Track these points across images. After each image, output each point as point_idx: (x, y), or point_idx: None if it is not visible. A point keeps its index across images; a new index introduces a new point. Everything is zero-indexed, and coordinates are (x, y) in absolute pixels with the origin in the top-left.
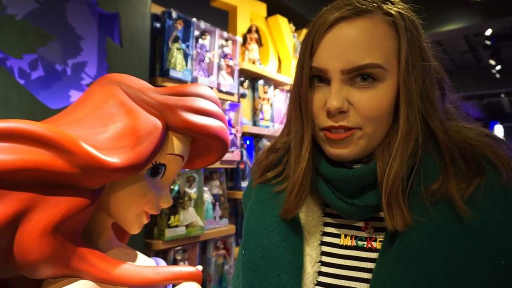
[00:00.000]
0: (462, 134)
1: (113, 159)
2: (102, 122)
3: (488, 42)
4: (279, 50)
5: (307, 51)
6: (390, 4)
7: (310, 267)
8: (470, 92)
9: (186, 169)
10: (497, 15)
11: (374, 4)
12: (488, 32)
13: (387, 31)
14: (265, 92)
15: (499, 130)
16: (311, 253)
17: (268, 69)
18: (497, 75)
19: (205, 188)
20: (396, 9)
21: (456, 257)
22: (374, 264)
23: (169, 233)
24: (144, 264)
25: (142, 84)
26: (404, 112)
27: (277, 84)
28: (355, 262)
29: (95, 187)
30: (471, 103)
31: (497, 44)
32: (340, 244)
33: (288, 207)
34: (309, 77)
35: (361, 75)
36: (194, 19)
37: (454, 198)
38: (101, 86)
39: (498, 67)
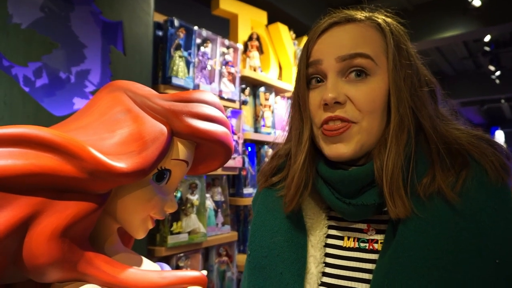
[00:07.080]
0: (451, 133)
1: (120, 164)
2: (109, 128)
3: (487, 48)
4: (280, 57)
5: (304, 54)
6: (378, 15)
7: (314, 268)
8: (470, 98)
9: (188, 176)
10: (495, 21)
11: (363, 15)
12: (487, 38)
13: (374, 33)
14: (266, 99)
15: (500, 136)
16: (315, 254)
17: (269, 76)
18: (497, 81)
19: (207, 195)
20: (382, 17)
21: (450, 256)
22: (375, 265)
23: (171, 239)
24: (149, 269)
25: (147, 90)
26: (395, 105)
27: (278, 91)
28: (357, 263)
29: (102, 191)
30: (471, 108)
31: (496, 50)
32: (343, 246)
33: (288, 200)
34: (307, 78)
35: (355, 71)
36: (196, 27)
37: (443, 190)
38: (107, 92)
39: (498, 73)
